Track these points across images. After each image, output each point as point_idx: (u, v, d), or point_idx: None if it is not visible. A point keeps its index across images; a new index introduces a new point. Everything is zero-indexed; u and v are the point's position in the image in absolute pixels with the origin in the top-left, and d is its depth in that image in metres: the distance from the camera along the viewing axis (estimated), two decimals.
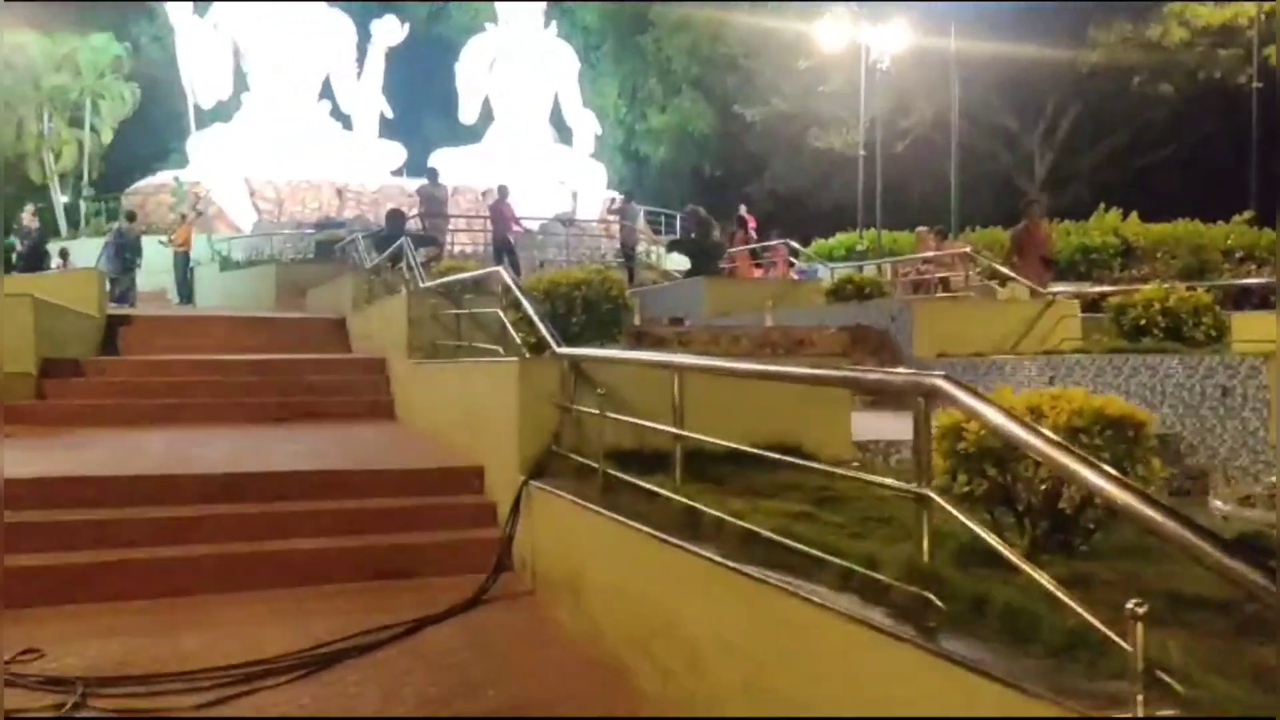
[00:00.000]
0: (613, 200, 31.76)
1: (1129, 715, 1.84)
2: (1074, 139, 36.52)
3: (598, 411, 4.86)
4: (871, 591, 2.66)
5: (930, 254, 17.37)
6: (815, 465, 3.83)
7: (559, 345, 5.48)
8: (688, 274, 17.65)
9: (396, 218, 16.49)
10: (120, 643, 4.29)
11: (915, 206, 39.89)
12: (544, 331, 5.62)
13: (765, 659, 2.98)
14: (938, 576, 2.51)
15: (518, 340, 6.31)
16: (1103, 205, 21.56)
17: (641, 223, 27.30)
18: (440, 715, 3.62)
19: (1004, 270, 12.28)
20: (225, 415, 9.36)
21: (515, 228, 20.69)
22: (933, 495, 2.58)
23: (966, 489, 3.09)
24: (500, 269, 6.93)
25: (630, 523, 4.02)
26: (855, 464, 6.29)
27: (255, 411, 9.49)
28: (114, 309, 18.66)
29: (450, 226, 20.04)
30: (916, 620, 2.42)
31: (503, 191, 20.22)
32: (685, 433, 4.06)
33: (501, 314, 6.89)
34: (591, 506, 4.45)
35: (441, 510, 5.92)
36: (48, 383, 9.43)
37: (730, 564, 3.23)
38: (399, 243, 11.23)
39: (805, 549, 3.06)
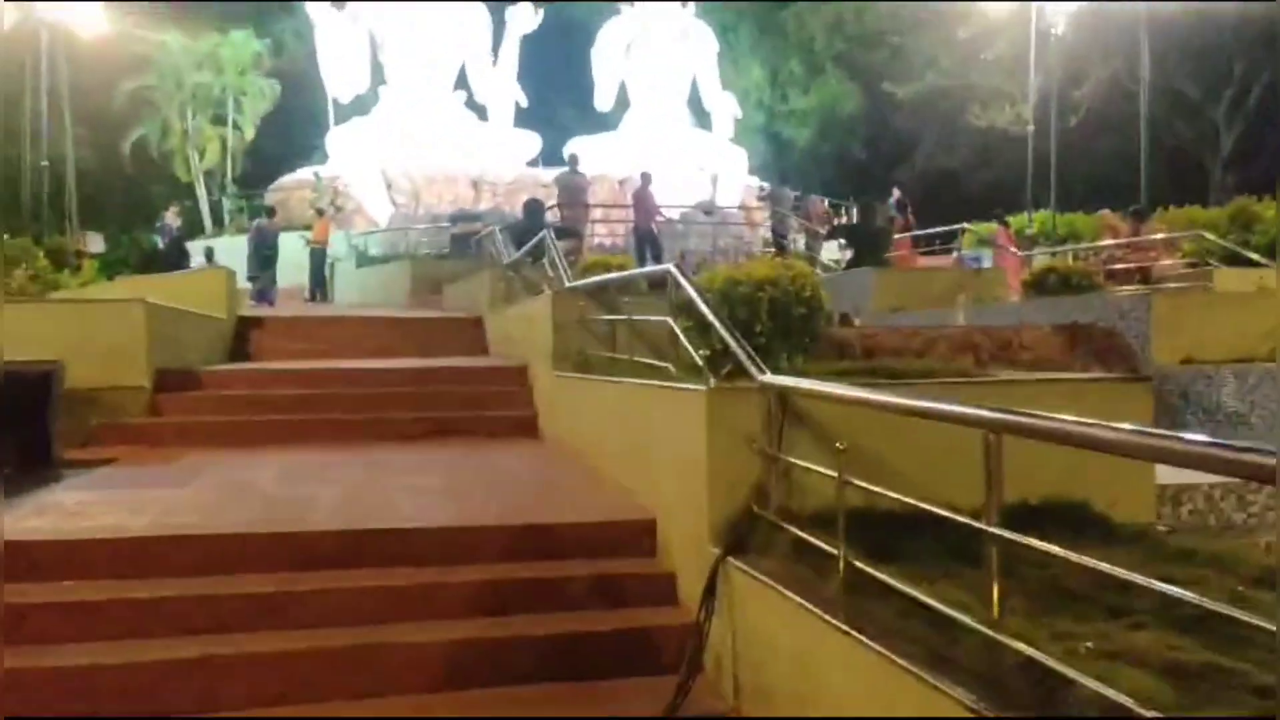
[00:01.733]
0: (762, 188, 30.12)
1: None
2: (1264, 107, 33.04)
3: (831, 474, 3.45)
4: None
5: (1128, 239, 15.31)
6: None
7: (762, 371, 4.09)
8: (850, 264, 16.02)
9: (534, 208, 15.38)
10: None
11: (1080, 186, 36.99)
12: (740, 353, 4.24)
13: None
14: None
15: (696, 357, 4.94)
16: None
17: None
18: None
19: (1248, 254, 10.30)
20: (351, 433, 8.33)
21: (658, 217, 19.39)
22: None
23: None
24: (672, 267, 5.57)
25: (923, 674, 2.60)
26: (1164, 528, 4.72)
27: (385, 429, 8.42)
28: (250, 308, 18.24)
29: (590, 217, 18.86)
30: None
31: (645, 179, 18.93)
32: (1000, 531, 2.60)
33: (672, 323, 5.54)
34: (837, 624, 3.05)
35: (605, 582, 4.60)
36: (162, 397, 8.56)
37: None
38: (539, 236, 10.02)
39: None
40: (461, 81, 33.43)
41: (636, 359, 6.27)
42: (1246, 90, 32.47)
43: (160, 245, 23.76)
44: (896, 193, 27.47)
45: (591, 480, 6.14)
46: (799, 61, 39.63)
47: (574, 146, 30.81)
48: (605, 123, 35.05)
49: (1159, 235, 15.56)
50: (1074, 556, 2.51)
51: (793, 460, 3.92)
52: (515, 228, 15.07)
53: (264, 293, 19.28)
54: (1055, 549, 2.53)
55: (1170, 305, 8.96)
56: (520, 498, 5.66)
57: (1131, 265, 15.21)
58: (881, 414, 3.78)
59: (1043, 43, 24.52)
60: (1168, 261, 16.36)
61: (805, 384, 3.80)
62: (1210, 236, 12.30)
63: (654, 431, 5.04)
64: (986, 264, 21.54)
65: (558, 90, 38.97)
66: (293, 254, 22.06)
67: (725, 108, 34.89)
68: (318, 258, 21.52)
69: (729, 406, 4.17)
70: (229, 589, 4.30)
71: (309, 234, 22.39)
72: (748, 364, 4.13)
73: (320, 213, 23.67)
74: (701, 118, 34.98)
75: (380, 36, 32.45)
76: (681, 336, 5.43)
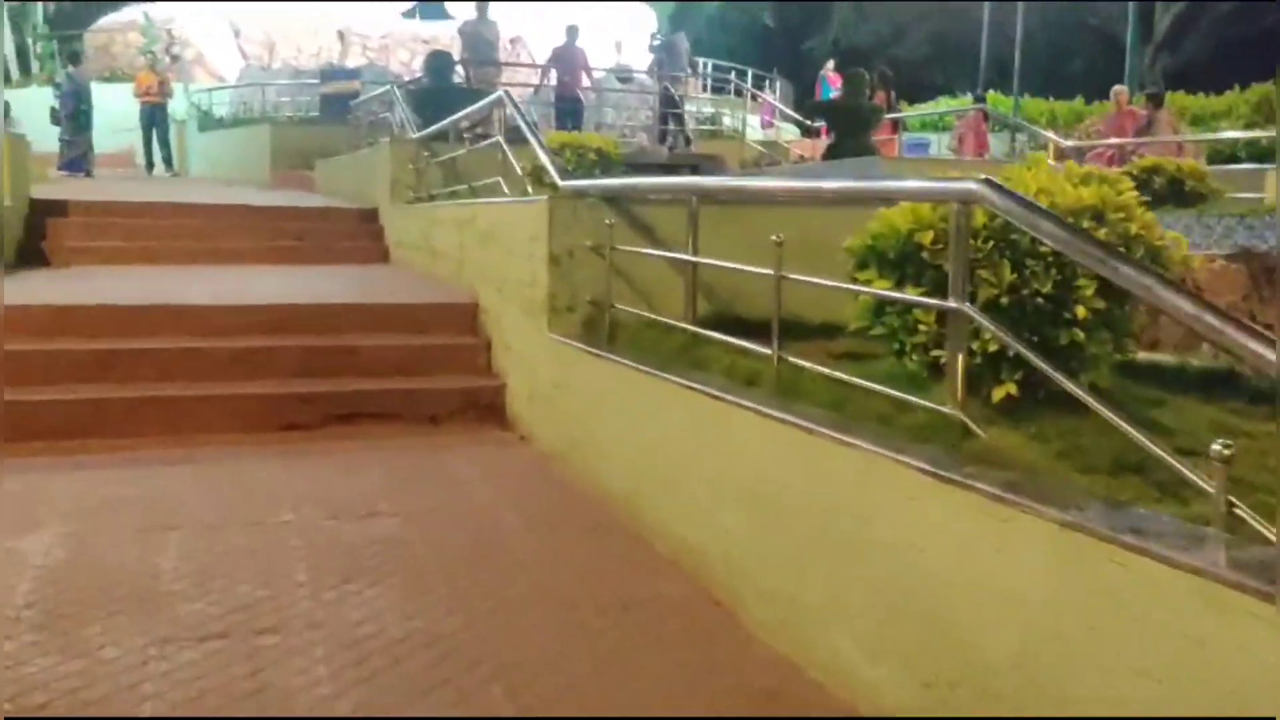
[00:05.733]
0: (653, 37, 25.83)
1: None
2: None
3: None
4: None
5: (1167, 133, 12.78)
6: None
7: None
8: (830, 152, 12.99)
9: (440, 63, 11.76)
10: None
11: (1003, 67, 34.50)
12: None
13: None
14: None
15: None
16: None
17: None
18: None
19: None
20: (204, 422, 5.04)
21: (586, 82, 15.88)
22: None
23: None
24: (976, 186, 2.50)
25: None
26: None
27: (258, 413, 5.15)
28: (57, 179, 14.09)
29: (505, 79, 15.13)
30: None
31: (572, 33, 15.34)
32: None
33: (974, 315, 2.48)
34: None
35: None
36: None
37: None
38: (494, 98, 6.64)
39: None
40: None
41: (798, 361, 3.17)
42: None
43: None
44: (830, 65, 24.44)
45: (700, 602, 3.07)
46: None
47: None
48: None
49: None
50: None
51: None
52: (418, 91, 11.51)
53: (77, 162, 15.05)
54: None
55: None
56: (576, 666, 2.55)
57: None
58: None
59: None
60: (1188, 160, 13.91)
61: None
62: None
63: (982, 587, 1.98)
64: (934, 151, 18.94)
65: None
66: (118, 114, 17.65)
67: None
68: (148, 119, 16.92)
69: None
70: None
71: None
72: None
73: (153, 58, 18.96)
74: None
75: None
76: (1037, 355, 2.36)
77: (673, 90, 18.01)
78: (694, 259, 3.79)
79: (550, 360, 4.75)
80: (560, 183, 5.08)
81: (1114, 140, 13.52)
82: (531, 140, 5.58)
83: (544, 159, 5.33)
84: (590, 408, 4.31)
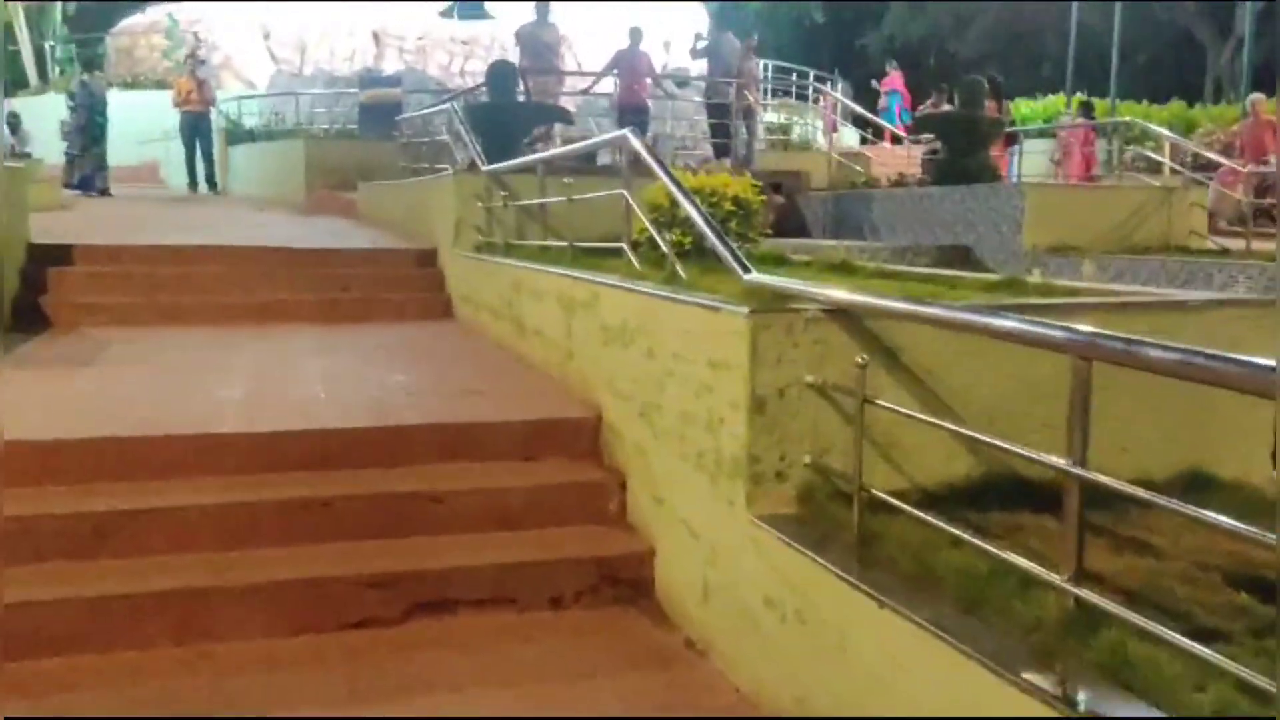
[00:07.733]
0: (697, 37, 23.94)
1: None
2: None
3: None
4: None
5: None
6: None
7: None
8: (941, 173, 11.31)
9: (503, 74, 10.15)
10: None
11: (1046, 66, 32.52)
12: None
13: None
14: None
15: None
16: None
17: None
18: None
19: None
20: (235, 626, 3.56)
21: (647, 92, 14.26)
22: None
23: None
24: None
25: None
26: None
27: (311, 609, 3.63)
28: (70, 201, 12.66)
29: (565, 88, 13.53)
30: None
31: (636, 36, 13.73)
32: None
33: None
34: None
35: None
36: None
37: None
38: (606, 140, 5.06)
39: None
40: None
41: None
42: None
43: None
44: (891, 65, 22.78)
45: None
46: None
47: None
48: None
49: None
50: None
51: None
52: (476, 107, 9.97)
53: (89, 180, 13.60)
54: None
55: None
56: None
57: None
58: None
59: None
60: None
61: None
62: None
63: None
64: (1013, 167, 17.19)
65: None
66: (142, 122, 16.26)
67: None
68: (195, 129, 15.34)
69: None
70: None
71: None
72: None
73: (193, 62, 17.32)
74: None
75: None
76: None
77: (747, 97, 15.67)
78: (1082, 473, 2.16)
79: (753, 557, 3.16)
80: (744, 276, 3.48)
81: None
82: (688, 209, 3.95)
83: (710, 235, 3.72)
84: (846, 667, 2.71)
